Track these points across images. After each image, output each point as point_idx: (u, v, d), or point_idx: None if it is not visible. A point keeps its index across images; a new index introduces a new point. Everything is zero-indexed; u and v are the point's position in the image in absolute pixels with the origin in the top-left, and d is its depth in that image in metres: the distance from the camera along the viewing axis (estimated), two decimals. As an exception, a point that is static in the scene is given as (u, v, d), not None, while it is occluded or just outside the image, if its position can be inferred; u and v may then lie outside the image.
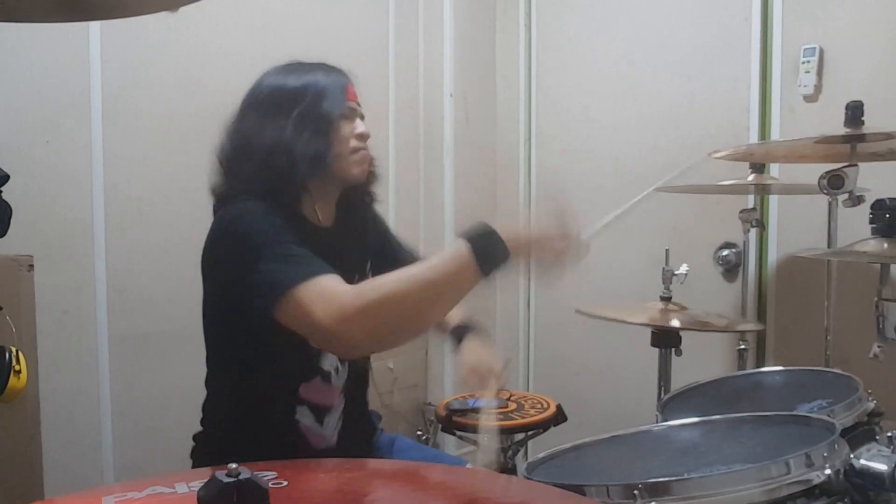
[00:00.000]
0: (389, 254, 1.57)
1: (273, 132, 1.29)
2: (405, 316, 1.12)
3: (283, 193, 1.30)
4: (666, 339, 1.94)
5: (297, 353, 1.28)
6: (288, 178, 1.29)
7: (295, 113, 1.30)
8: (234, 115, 1.37)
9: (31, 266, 1.64)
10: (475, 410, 2.05)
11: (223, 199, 1.34)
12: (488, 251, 1.09)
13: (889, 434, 1.14)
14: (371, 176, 1.46)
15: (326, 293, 1.11)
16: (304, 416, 1.33)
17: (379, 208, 1.58)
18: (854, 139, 1.65)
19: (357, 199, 1.48)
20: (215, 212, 1.35)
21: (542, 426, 1.98)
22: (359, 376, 1.44)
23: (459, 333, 1.50)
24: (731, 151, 1.94)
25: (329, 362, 1.35)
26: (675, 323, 1.88)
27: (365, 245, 1.53)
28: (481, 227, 1.11)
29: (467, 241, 1.09)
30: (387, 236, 1.61)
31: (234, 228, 1.26)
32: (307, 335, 1.16)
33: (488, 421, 1.36)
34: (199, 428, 1.41)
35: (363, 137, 1.37)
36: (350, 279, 1.40)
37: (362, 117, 1.40)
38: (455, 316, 1.56)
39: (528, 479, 1.10)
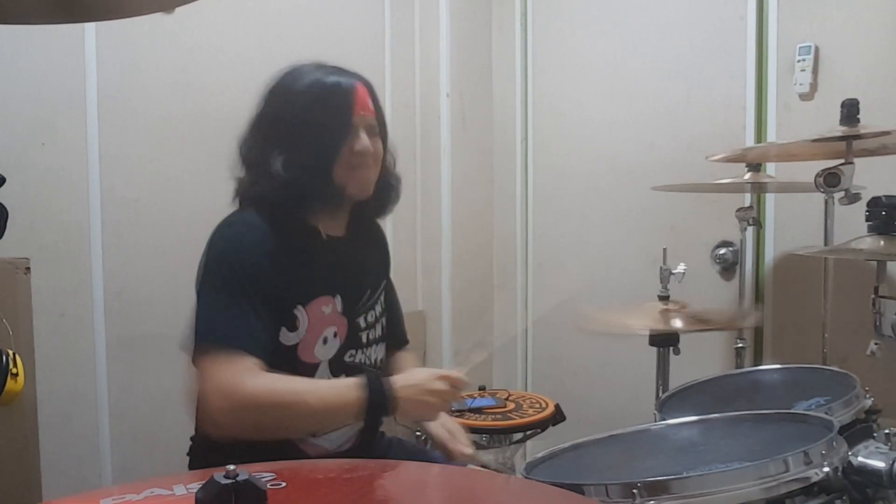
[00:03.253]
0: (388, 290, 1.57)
1: (278, 147, 1.30)
2: (280, 427, 1.23)
3: (289, 206, 1.31)
4: (664, 339, 1.94)
5: (287, 370, 1.27)
6: (289, 201, 1.30)
7: (297, 130, 1.30)
8: (253, 112, 1.36)
9: (28, 269, 1.64)
10: (473, 410, 2.05)
11: (241, 195, 1.36)
12: (378, 407, 1.22)
13: (887, 431, 1.14)
14: (381, 192, 1.42)
15: (230, 377, 1.18)
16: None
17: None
18: (850, 137, 1.65)
19: (370, 209, 1.47)
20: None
21: (541, 426, 1.98)
22: None
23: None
24: (727, 154, 1.94)
25: (319, 375, 1.34)
26: (678, 324, 1.87)
27: (380, 261, 1.53)
28: (382, 385, 1.23)
29: (367, 392, 1.21)
30: (385, 255, 1.60)
31: (217, 245, 1.29)
32: (197, 396, 1.24)
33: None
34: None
35: (361, 155, 1.33)
36: (360, 295, 1.41)
37: (370, 127, 1.35)
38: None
39: (526, 478, 1.11)
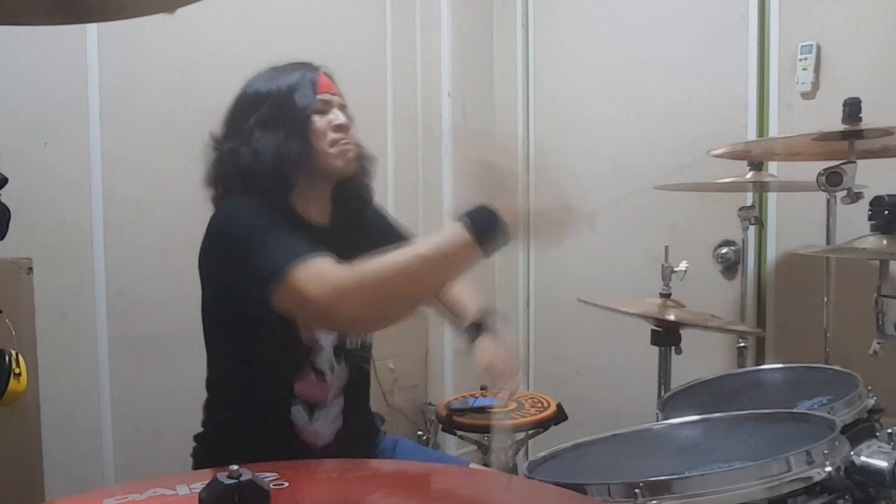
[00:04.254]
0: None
1: (250, 136, 1.33)
2: (401, 292, 1.13)
3: (272, 194, 1.31)
4: (666, 338, 1.94)
5: (290, 349, 1.30)
6: (273, 180, 1.31)
7: (266, 116, 1.33)
8: (220, 125, 1.40)
9: (31, 269, 1.64)
10: (476, 410, 2.05)
11: (217, 200, 1.37)
12: (487, 230, 1.11)
13: (889, 430, 1.14)
14: (362, 169, 1.44)
15: (321, 272, 1.12)
16: (299, 416, 1.34)
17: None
18: (852, 136, 1.65)
19: (352, 194, 1.47)
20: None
21: (543, 425, 1.98)
22: (360, 377, 1.44)
23: (474, 332, 1.48)
24: (729, 149, 1.94)
25: (324, 359, 1.35)
26: (671, 317, 1.87)
27: (364, 243, 1.52)
28: (480, 206, 1.13)
29: (467, 219, 1.11)
30: (388, 230, 1.59)
31: (226, 226, 1.29)
32: (306, 317, 1.20)
33: (500, 421, 1.36)
34: (200, 429, 1.41)
35: (341, 128, 1.37)
36: None
37: (342, 107, 1.40)
38: (470, 312, 1.53)
39: (529, 478, 1.11)
